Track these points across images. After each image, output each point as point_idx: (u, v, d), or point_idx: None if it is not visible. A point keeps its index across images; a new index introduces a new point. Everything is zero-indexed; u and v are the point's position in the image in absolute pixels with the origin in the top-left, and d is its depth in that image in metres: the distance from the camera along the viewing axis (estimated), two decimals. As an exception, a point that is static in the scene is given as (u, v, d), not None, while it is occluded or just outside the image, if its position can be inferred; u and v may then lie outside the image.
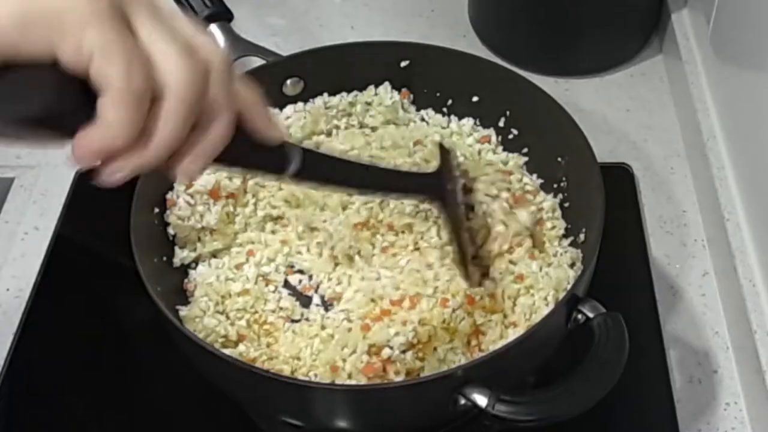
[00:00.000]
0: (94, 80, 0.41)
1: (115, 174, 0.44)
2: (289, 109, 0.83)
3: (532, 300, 0.69)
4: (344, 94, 0.84)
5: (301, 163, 0.54)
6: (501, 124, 0.82)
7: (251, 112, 0.48)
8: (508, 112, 0.82)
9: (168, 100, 0.43)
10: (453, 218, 0.71)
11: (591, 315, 0.63)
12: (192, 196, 0.76)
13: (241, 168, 0.56)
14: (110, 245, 0.75)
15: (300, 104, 0.84)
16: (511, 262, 0.71)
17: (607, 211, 0.68)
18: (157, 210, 0.75)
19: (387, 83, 0.84)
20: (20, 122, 0.41)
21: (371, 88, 0.84)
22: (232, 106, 0.46)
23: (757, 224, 0.77)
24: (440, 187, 0.71)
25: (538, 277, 0.70)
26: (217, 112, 0.45)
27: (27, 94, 0.40)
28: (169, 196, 0.76)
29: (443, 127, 0.84)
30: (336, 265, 0.75)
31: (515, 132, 0.82)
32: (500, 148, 0.82)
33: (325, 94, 0.84)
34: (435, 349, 0.67)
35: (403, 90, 0.84)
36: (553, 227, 0.75)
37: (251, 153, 0.50)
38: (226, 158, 0.48)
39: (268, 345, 0.70)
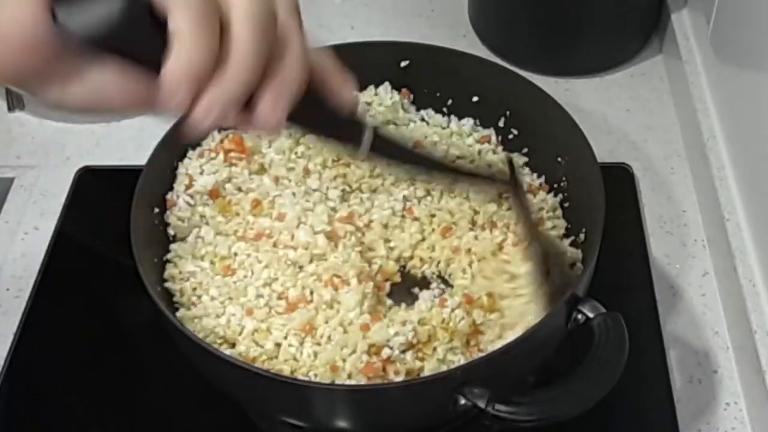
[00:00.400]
0: (169, 21, 0.40)
1: (206, 115, 0.42)
2: None
3: (523, 300, 0.69)
4: None
5: (374, 140, 0.53)
6: (501, 124, 0.82)
7: (326, 71, 0.48)
8: (508, 112, 0.82)
9: (236, 23, 0.42)
10: (524, 207, 0.71)
11: (591, 315, 0.63)
12: (192, 197, 0.76)
13: (317, 133, 0.53)
14: (110, 245, 0.75)
15: None
16: (505, 261, 0.71)
17: (607, 211, 0.68)
18: (157, 210, 0.75)
19: (387, 83, 0.84)
20: (95, 44, 0.40)
21: (371, 88, 0.84)
22: (303, 40, 0.45)
23: (757, 224, 0.77)
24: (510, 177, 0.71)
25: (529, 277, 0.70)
26: (289, 46, 0.44)
27: (97, 14, 0.40)
28: (169, 196, 0.76)
29: (443, 127, 0.84)
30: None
31: (515, 132, 0.82)
32: (500, 148, 0.82)
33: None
34: (435, 349, 0.67)
35: (404, 90, 0.84)
36: (554, 227, 0.75)
37: (327, 119, 0.49)
38: (302, 119, 0.47)
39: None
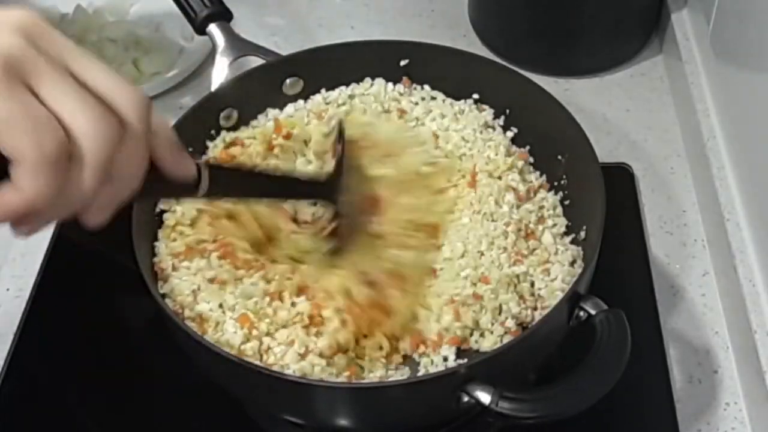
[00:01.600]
0: (3, 151, 0.40)
1: (24, 231, 0.43)
2: (290, 107, 0.83)
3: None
4: (343, 87, 0.84)
5: (210, 181, 0.54)
6: (501, 122, 0.82)
7: (165, 153, 0.48)
8: (508, 111, 0.82)
9: (82, 163, 0.41)
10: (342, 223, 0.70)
11: (593, 312, 0.63)
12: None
13: (153, 198, 0.55)
14: (110, 245, 0.75)
15: (300, 102, 0.84)
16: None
17: (607, 211, 0.68)
18: (158, 210, 0.75)
19: (380, 79, 0.84)
20: None
21: (367, 80, 0.84)
22: (145, 156, 0.45)
23: (757, 224, 0.77)
24: (334, 194, 0.71)
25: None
26: (129, 165, 0.44)
27: None
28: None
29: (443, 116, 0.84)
30: None
31: (515, 130, 0.82)
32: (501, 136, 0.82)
33: (323, 90, 0.84)
34: None
35: (404, 78, 0.84)
36: (554, 225, 0.75)
37: (163, 186, 0.50)
38: (138, 195, 0.47)
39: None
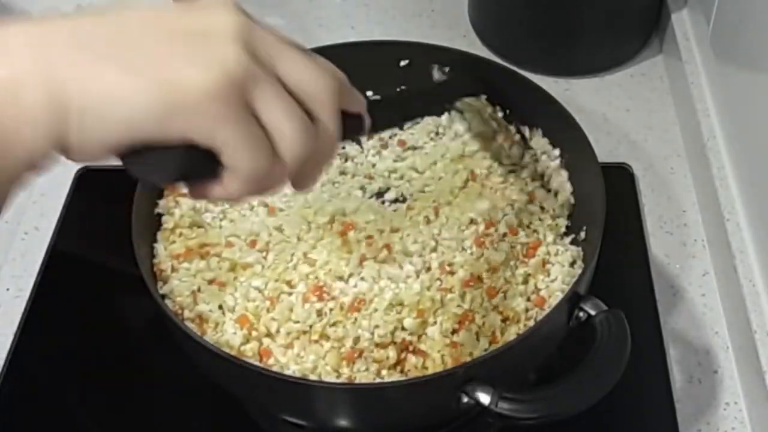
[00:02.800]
0: (222, 161, 0.44)
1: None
2: None
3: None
4: None
5: (371, 117, 0.56)
6: (501, 123, 0.82)
7: (349, 100, 0.51)
8: (508, 111, 0.82)
9: (283, 165, 0.45)
10: None
11: (593, 312, 0.63)
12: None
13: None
14: (110, 245, 0.75)
15: None
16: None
17: (607, 210, 0.68)
18: (156, 212, 0.75)
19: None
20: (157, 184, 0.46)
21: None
22: (335, 139, 0.48)
23: (757, 224, 0.77)
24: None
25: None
26: (324, 150, 0.48)
27: (163, 167, 0.44)
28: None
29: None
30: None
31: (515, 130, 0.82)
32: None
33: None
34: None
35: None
36: (556, 225, 0.75)
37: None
38: None
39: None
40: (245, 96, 0.43)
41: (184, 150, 0.43)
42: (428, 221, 0.75)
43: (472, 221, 0.74)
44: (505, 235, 0.73)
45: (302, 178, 0.49)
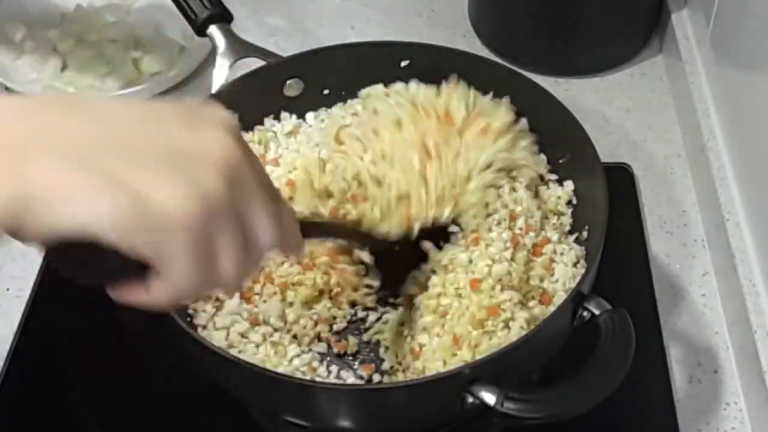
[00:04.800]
0: (158, 270, 0.43)
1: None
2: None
3: None
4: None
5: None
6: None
7: (291, 251, 0.52)
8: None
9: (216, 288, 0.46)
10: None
11: (597, 312, 0.63)
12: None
13: None
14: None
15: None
16: None
17: (609, 210, 0.68)
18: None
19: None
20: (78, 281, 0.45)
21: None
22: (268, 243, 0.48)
23: (757, 224, 0.77)
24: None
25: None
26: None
27: (93, 270, 0.44)
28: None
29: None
30: None
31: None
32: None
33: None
34: None
35: None
36: (561, 224, 0.75)
37: None
38: None
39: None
40: (209, 228, 0.42)
41: (119, 256, 0.41)
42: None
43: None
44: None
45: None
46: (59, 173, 0.40)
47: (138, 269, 0.43)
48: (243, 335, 0.69)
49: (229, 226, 0.43)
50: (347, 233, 0.71)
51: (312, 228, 0.62)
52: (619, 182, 0.90)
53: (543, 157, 0.79)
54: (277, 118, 0.84)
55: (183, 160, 0.42)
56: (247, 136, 0.80)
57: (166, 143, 0.42)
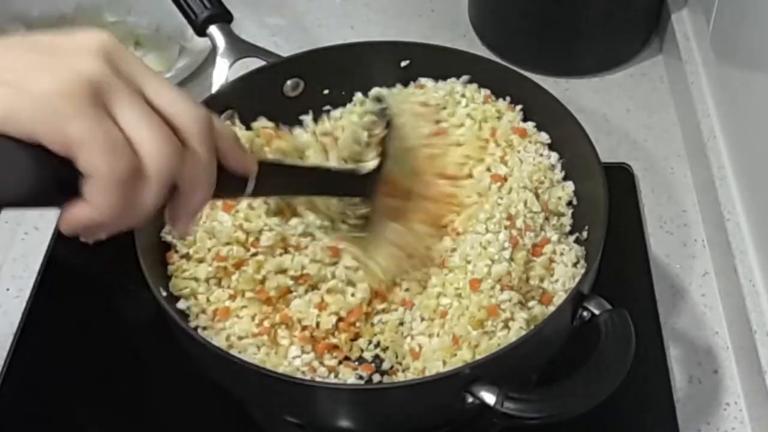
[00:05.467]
0: (78, 167, 0.43)
1: (96, 236, 0.46)
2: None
3: None
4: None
5: (256, 179, 0.54)
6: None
7: (229, 153, 0.50)
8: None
9: (148, 179, 0.45)
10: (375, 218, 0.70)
11: (597, 312, 0.63)
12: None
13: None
14: (110, 245, 0.75)
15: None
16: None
17: (609, 210, 0.68)
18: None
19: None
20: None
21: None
22: (208, 168, 0.48)
23: (757, 224, 0.77)
24: (373, 189, 0.70)
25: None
26: (194, 177, 0.47)
27: (10, 176, 0.42)
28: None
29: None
30: None
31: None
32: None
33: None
34: None
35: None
36: (561, 224, 0.75)
37: (218, 185, 0.50)
38: None
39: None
40: (100, 100, 0.43)
41: (35, 156, 0.41)
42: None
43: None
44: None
45: (176, 210, 0.48)
46: None
47: (66, 184, 0.43)
48: (242, 337, 0.69)
49: (124, 96, 0.44)
50: (315, 183, 0.66)
51: (270, 171, 0.57)
52: (619, 182, 0.90)
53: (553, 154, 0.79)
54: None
55: (56, 52, 0.43)
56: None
57: (41, 43, 0.44)
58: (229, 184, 0.52)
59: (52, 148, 0.42)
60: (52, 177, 0.43)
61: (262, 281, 0.70)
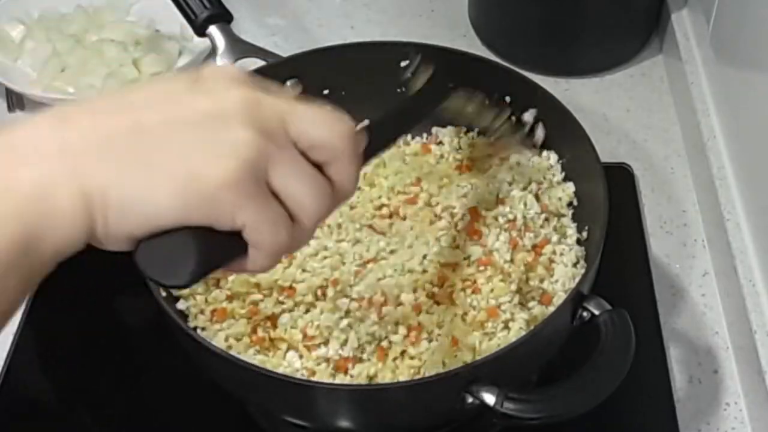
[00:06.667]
0: (245, 239, 0.45)
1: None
2: None
3: None
4: None
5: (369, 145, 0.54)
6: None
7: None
8: (508, 112, 0.81)
9: (304, 226, 0.47)
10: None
11: (596, 312, 0.63)
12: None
13: None
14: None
15: None
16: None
17: (609, 210, 0.68)
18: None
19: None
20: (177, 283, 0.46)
21: None
22: (357, 176, 0.50)
23: (757, 224, 0.77)
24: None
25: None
26: (346, 194, 0.50)
27: (181, 256, 0.44)
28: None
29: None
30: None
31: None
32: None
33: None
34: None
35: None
36: (561, 225, 0.75)
37: None
38: None
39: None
40: (262, 176, 0.44)
41: (201, 234, 0.43)
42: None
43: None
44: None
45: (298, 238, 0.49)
46: (119, 178, 0.42)
47: (231, 245, 0.45)
48: (239, 338, 0.69)
49: (281, 164, 0.45)
50: (414, 113, 0.69)
51: (379, 129, 0.58)
52: (619, 182, 0.90)
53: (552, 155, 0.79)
54: None
55: (206, 127, 0.44)
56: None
57: (187, 118, 0.44)
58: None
59: (221, 228, 0.44)
60: (216, 251, 0.45)
61: (257, 284, 0.70)
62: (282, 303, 0.70)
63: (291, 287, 0.71)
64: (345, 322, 0.67)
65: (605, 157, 0.90)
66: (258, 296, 0.70)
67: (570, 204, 0.77)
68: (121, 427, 0.75)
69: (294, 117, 0.46)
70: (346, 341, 0.67)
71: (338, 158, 0.47)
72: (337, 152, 0.47)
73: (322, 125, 0.47)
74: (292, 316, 0.69)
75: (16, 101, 1.01)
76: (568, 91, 1.00)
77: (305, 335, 0.67)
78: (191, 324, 0.69)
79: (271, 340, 0.68)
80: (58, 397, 0.77)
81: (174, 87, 0.46)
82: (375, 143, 0.54)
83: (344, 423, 0.65)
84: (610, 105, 1.00)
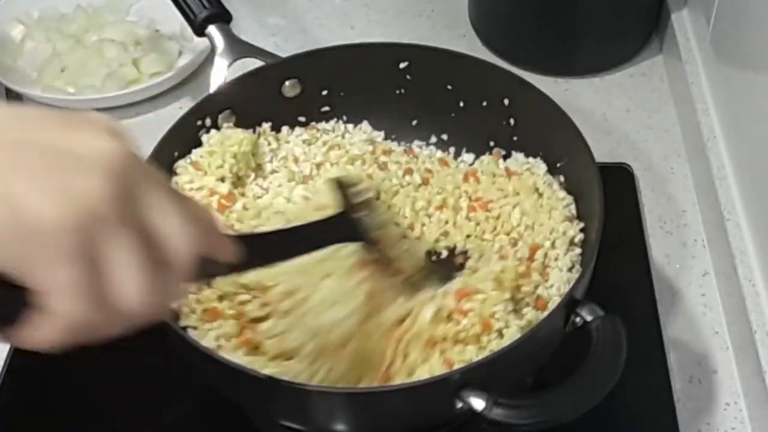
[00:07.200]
0: (38, 301, 0.39)
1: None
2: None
3: None
4: None
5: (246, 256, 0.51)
6: (500, 124, 0.82)
7: (217, 249, 0.47)
8: (507, 114, 0.82)
9: (116, 317, 0.42)
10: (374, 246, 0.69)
11: (589, 318, 0.62)
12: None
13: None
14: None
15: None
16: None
17: (607, 211, 0.68)
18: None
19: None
20: None
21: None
22: (184, 285, 0.44)
23: (757, 224, 0.77)
24: (353, 224, 0.68)
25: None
26: (172, 296, 0.45)
27: None
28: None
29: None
30: None
31: (514, 134, 0.81)
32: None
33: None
34: None
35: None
36: (555, 230, 0.75)
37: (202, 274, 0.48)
38: None
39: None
40: (95, 237, 0.38)
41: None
42: None
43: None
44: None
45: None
46: None
47: (11, 304, 0.39)
48: (230, 338, 0.69)
49: (121, 234, 0.39)
50: (304, 241, 0.63)
51: (258, 244, 0.55)
52: (619, 182, 0.90)
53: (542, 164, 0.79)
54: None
55: (59, 162, 0.38)
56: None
57: (41, 144, 0.38)
58: (209, 269, 0.48)
59: (17, 282, 0.38)
60: (10, 302, 0.39)
61: (245, 284, 0.70)
62: (267, 305, 0.69)
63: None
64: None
65: (605, 157, 0.90)
66: (246, 296, 0.70)
67: (566, 207, 0.77)
68: (121, 428, 0.75)
69: (157, 203, 0.41)
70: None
71: (174, 258, 0.42)
72: (176, 253, 0.42)
73: (179, 224, 0.42)
74: (274, 323, 0.68)
75: (15, 101, 1.01)
76: (568, 91, 1.00)
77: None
78: (182, 323, 0.68)
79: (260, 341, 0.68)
80: (57, 397, 0.77)
81: (49, 115, 0.40)
82: (252, 255, 0.51)
83: (336, 426, 0.64)
84: (609, 105, 1.00)
